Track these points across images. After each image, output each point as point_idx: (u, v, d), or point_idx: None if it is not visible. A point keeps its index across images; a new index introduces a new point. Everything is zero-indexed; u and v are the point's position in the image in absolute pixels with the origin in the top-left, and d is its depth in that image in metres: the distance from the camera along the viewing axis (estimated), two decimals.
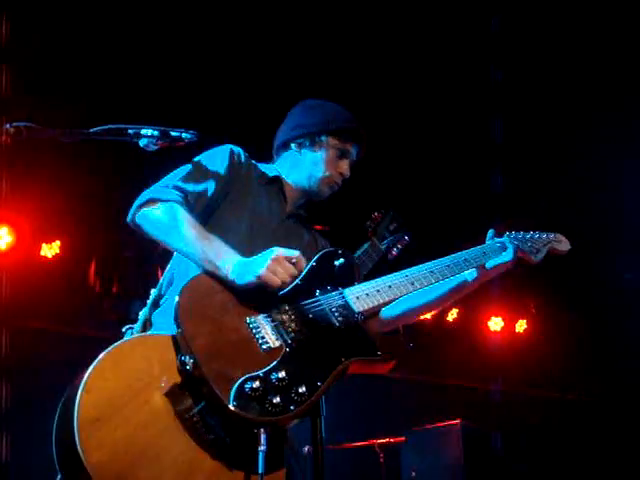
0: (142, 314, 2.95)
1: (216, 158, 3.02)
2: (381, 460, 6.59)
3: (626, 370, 9.17)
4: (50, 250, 7.01)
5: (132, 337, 2.66)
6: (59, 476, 2.53)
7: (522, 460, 8.67)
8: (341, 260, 2.95)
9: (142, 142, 2.72)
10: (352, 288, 2.90)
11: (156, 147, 2.75)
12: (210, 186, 2.95)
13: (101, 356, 2.50)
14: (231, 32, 6.48)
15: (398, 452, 7.32)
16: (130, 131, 2.70)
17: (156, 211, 2.80)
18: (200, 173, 2.95)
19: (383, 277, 2.98)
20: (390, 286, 2.95)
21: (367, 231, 3.10)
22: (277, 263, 2.68)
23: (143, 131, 2.72)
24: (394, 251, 3.20)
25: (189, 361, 2.52)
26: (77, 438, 2.36)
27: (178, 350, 2.57)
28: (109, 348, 2.53)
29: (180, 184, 2.89)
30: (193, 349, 2.53)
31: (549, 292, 9.14)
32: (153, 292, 3.00)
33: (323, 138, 3.15)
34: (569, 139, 7.62)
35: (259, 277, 2.66)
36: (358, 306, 2.86)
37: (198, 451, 2.49)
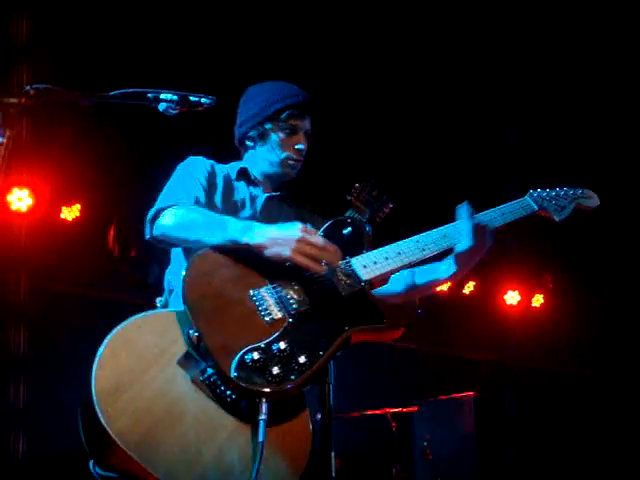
0: None
1: (193, 169, 3.06)
2: (393, 429, 6.64)
3: None
4: (70, 213, 7.05)
5: (136, 316, 2.68)
6: (91, 461, 2.58)
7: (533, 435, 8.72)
8: (349, 229, 2.92)
9: (161, 107, 2.70)
10: (360, 257, 2.87)
11: (175, 112, 2.73)
12: (200, 194, 3.00)
13: (109, 335, 2.56)
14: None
15: (411, 421, 7.38)
16: (149, 95, 2.69)
17: (169, 216, 2.86)
18: (188, 184, 3.00)
19: (392, 244, 2.94)
20: (399, 253, 2.90)
21: (350, 200, 2.98)
22: (304, 243, 2.66)
23: (162, 95, 2.70)
24: (379, 216, 3.04)
25: (194, 335, 2.57)
26: (98, 410, 2.41)
27: (185, 324, 2.62)
28: (116, 327, 2.59)
29: (179, 195, 2.95)
30: (198, 323, 2.58)
31: (567, 267, 9.12)
32: (159, 300, 3.06)
33: (267, 126, 3.13)
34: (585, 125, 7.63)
35: (289, 258, 2.67)
36: (365, 274, 2.83)
37: (218, 410, 2.54)
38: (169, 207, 2.89)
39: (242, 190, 3.16)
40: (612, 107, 7.48)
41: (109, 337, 2.55)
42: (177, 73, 6.07)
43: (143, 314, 2.71)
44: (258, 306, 2.68)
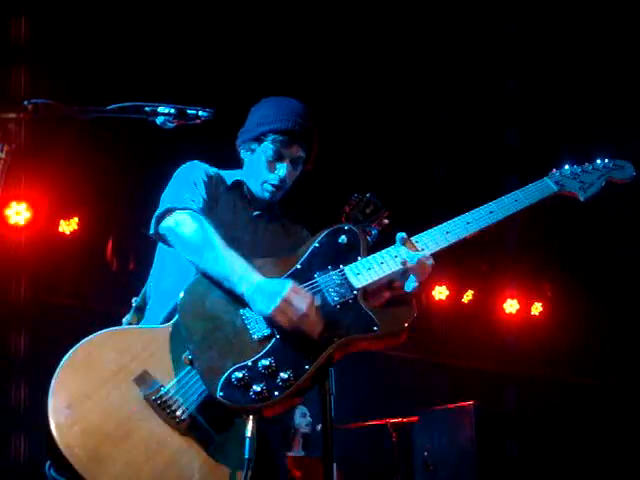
0: (125, 320, 3.06)
1: (196, 175, 3.02)
2: (394, 439, 6.61)
3: None
4: (68, 227, 7.05)
5: (103, 331, 2.75)
6: (48, 462, 2.66)
7: (534, 443, 8.70)
8: (344, 237, 2.85)
9: (159, 120, 2.70)
10: (354, 264, 2.80)
11: (173, 125, 2.73)
12: (204, 198, 2.97)
13: (74, 348, 2.66)
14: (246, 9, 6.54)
15: (411, 432, 7.36)
16: (147, 109, 2.69)
17: (182, 224, 2.83)
18: (195, 189, 2.97)
19: (390, 247, 2.86)
20: (396, 256, 2.82)
21: (341, 216, 2.91)
22: (288, 304, 2.65)
23: (160, 109, 2.70)
24: (372, 233, 2.92)
25: (187, 357, 2.66)
26: (51, 422, 2.53)
27: (179, 342, 2.69)
28: (82, 341, 2.68)
29: (188, 198, 2.91)
30: (190, 345, 2.66)
31: (565, 275, 9.11)
32: (134, 300, 3.11)
33: (253, 145, 3.07)
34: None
35: (270, 316, 2.66)
36: (357, 282, 2.76)
37: (166, 429, 2.61)
38: (178, 210, 2.86)
39: (235, 203, 3.10)
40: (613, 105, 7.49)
41: (73, 350, 2.65)
42: (175, 86, 6.08)
43: (110, 329, 2.78)
44: (247, 324, 2.71)
